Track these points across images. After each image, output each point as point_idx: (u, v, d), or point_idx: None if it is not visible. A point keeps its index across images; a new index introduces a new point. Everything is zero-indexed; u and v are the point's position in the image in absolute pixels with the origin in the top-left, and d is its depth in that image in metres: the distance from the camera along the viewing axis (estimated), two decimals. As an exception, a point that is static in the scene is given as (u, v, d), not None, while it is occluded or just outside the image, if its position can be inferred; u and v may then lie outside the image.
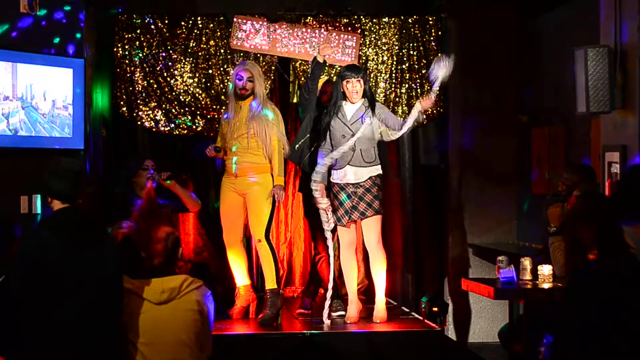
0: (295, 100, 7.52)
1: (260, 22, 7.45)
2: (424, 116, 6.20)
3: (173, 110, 7.43)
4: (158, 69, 7.41)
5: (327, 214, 6.06)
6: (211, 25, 7.47)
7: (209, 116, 7.45)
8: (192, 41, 7.44)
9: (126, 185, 6.47)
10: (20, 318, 3.69)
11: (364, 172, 6.04)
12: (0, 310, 3.73)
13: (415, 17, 7.61)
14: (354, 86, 6.02)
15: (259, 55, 7.45)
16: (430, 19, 7.63)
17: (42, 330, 3.71)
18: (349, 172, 6.04)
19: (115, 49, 7.38)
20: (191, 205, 6.57)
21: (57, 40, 6.45)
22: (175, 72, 7.41)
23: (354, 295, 6.24)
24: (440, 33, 7.64)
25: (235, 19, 7.43)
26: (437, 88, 5.94)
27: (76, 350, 3.74)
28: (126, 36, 7.38)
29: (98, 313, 3.81)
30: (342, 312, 6.44)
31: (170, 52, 7.41)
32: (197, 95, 7.44)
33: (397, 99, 7.54)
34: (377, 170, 6.09)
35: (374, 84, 7.50)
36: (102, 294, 3.83)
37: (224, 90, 7.43)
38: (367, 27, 7.56)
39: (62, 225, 3.86)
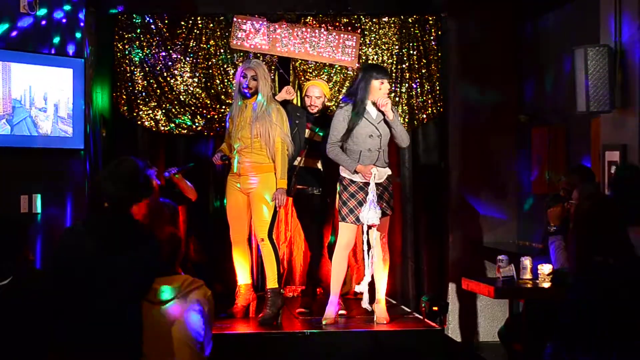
0: (295, 101, 7.50)
1: (260, 22, 7.45)
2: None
3: (173, 110, 7.43)
4: (158, 68, 7.40)
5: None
6: (211, 25, 7.47)
7: (208, 116, 7.45)
8: (192, 41, 7.44)
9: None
10: (47, 314, 3.71)
11: (387, 171, 6.11)
12: (14, 308, 3.74)
13: (415, 16, 7.61)
14: (387, 87, 6.04)
15: (258, 55, 7.45)
16: (430, 18, 7.63)
17: (67, 328, 3.73)
18: (372, 177, 6.02)
19: (115, 49, 7.38)
20: (192, 194, 6.76)
21: (57, 40, 6.45)
22: (175, 71, 7.41)
23: (335, 297, 6.23)
24: (440, 33, 7.64)
25: (235, 19, 7.44)
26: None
27: (100, 348, 3.76)
28: (126, 36, 7.38)
29: (124, 313, 3.81)
30: (343, 312, 6.46)
31: (170, 51, 7.41)
32: (197, 95, 7.44)
33: (397, 99, 7.54)
34: (389, 169, 6.17)
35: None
36: (129, 296, 3.82)
37: (224, 90, 7.43)
38: (367, 27, 7.57)
39: (98, 226, 3.86)
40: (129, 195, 3.89)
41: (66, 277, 3.77)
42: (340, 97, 7.44)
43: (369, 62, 7.51)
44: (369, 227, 5.99)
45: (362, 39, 7.54)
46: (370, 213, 5.93)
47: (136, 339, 3.88)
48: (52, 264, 3.90)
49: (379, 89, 5.99)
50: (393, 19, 7.59)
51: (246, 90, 6.17)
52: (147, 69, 7.40)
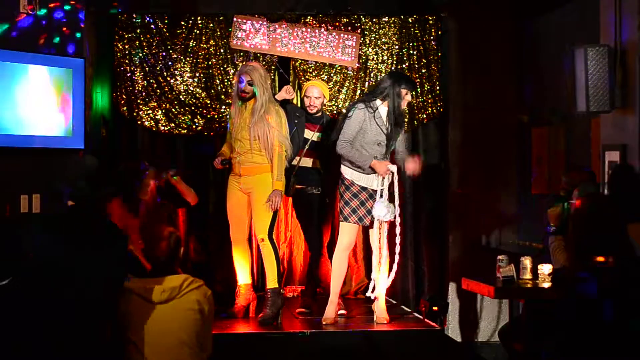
0: (294, 101, 7.51)
1: (260, 22, 7.45)
2: None
3: (173, 110, 7.43)
4: (158, 68, 7.40)
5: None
6: (211, 25, 7.47)
7: (208, 116, 7.45)
8: (192, 41, 7.44)
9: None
10: (23, 317, 3.70)
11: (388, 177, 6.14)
12: (6, 309, 3.74)
13: (415, 16, 7.61)
14: (410, 98, 6.17)
15: (258, 54, 7.45)
16: (430, 18, 7.63)
17: (43, 329, 3.72)
18: (379, 178, 6.07)
19: (115, 49, 7.38)
20: (191, 198, 6.69)
21: (57, 40, 6.45)
22: (175, 71, 7.41)
23: (335, 297, 6.25)
24: (440, 33, 7.64)
25: (235, 19, 7.44)
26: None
27: (74, 349, 3.75)
28: (126, 36, 7.38)
29: (97, 313, 3.81)
30: (343, 312, 6.46)
31: (170, 51, 7.41)
32: (197, 94, 7.44)
33: (397, 99, 7.53)
34: None
35: (374, 83, 7.50)
36: (104, 295, 3.82)
37: (224, 90, 7.43)
38: (367, 27, 7.56)
39: (68, 225, 3.86)
40: (90, 192, 3.89)
41: (40, 278, 3.75)
42: (340, 96, 7.47)
43: (369, 62, 7.50)
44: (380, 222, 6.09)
45: (362, 39, 7.54)
46: (385, 209, 6.02)
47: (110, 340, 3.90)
48: (25, 267, 3.88)
49: (405, 97, 6.08)
50: (393, 19, 7.59)
51: (243, 95, 6.19)
52: (147, 69, 7.40)
